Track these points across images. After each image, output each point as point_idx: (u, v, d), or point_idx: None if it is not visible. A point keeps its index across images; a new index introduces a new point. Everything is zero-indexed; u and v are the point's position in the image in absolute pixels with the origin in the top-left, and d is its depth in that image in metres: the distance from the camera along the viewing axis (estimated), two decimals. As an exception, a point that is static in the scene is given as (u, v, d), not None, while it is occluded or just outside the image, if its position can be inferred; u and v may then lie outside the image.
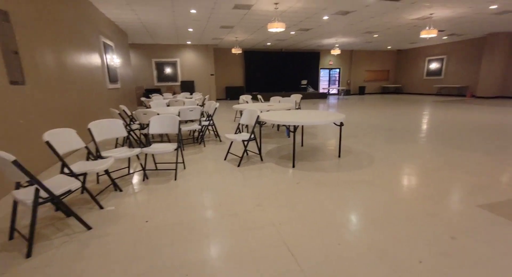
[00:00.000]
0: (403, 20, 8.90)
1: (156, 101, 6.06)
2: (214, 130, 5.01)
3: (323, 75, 17.88)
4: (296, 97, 7.17)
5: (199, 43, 13.14)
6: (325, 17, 8.32)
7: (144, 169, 3.07)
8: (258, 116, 3.45)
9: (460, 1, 6.87)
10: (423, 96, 15.18)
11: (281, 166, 3.43)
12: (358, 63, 17.80)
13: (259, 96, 6.98)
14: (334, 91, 18.73)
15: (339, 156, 3.79)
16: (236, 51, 11.68)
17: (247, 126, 5.40)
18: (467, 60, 13.90)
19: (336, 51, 12.95)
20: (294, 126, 3.27)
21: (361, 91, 17.94)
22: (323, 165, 3.42)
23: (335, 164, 3.46)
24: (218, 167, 3.46)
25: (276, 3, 6.54)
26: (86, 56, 5.45)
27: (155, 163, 3.45)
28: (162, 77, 13.25)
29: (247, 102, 6.31)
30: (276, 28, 6.56)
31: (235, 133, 3.78)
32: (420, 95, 16.08)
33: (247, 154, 3.97)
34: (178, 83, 13.52)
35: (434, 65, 15.74)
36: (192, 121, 5.56)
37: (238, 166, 3.46)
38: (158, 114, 4.02)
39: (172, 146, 3.11)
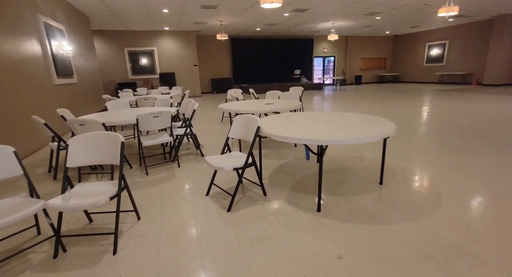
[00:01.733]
0: (416, -3, 7.62)
1: (119, 99, 4.59)
2: (194, 139, 3.63)
3: (317, 64, 16.56)
4: (296, 90, 5.83)
5: (179, 29, 11.48)
6: (327, -7, 6.93)
7: (57, 235, 1.68)
8: (258, 128, 2.11)
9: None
10: (424, 85, 14.15)
11: (298, 208, 2.13)
12: (354, 51, 16.55)
13: (251, 91, 5.61)
14: (329, 81, 17.49)
15: (381, 183, 2.51)
16: (221, 37, 10.15)
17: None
18: (471, 45, 12.88)
19: (333, 36, 11.61)
20: (322, 146, 1.95)
21: (358, 80, 16.77)
22: (363, 203, 2.14)
23: (381, 201, 2.19)
24: (196, 213, 2.12)
25: (269, -29, 5.10)
26: (13, 41, 3.89)
27: (87, 214, 2.06)
28: (137, 69, 11.57)
29: (237, 98, 4.95)
30: (271, 3, 5.14)
31: (223, 151, 2.43)
32: (420, 84, 15.07)
33: (241, 182, 2.64)
34: (157, 76, 11.89)
35: (435, 51, 14.68)
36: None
37: (228, 210, 2.13)
38: (103, 124, 2.61)
39: (107, 189, 1.74)
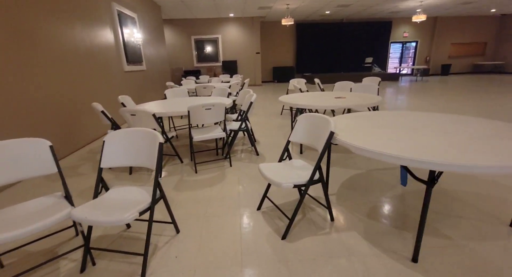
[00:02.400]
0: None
1: (177, 88, 4.49)
2: (250, 134, 3.23)
3: (393, 51, 14.47)
4: (373, 81, 4.91)
5: (243, 15, 11.18)
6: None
7: (86, 245, 1.46)
8: (331, 134, 1.54)
9: None
10: (542, 77, 11.00)
11: (381, 250, 1.52)
12: (443, 34, 13.88)
13: (317, 81, 4.93)
14: (406, 71, 15.19)
15: (512, 224, 1.70)
16: (286, 22, 9.47)
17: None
18: None
19: (420, 17, 9.76)
20: (436, 172, 1.28)
21: (445, 70, 14.12)
22: (485, 255, 1.41)
23: (521, 259, 1.41)
24: (243, 235, 1.71)
25: None
26: (90, 29, 4.06)
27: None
28: (202, 56, 11.80)
29: (300, 90, 4.36)
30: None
31: (281, 158, 1.95)
32: (536, 76, 11.81)
33: (302, 201, 2.12)
34: (220, 64, 11.95)
35: None
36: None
37: (283, 238, 1.66)
38: (154, 115, 2.39)
39: (141, 199, 1.43)
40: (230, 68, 11.83)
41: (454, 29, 13.86)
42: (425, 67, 12.61)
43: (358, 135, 1.58)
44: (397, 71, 14.23)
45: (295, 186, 1.59)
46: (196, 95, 4.99)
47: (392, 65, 14.78)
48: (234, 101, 5.04)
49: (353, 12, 11.33)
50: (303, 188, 1.62)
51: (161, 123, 2.75)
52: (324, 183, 1.70)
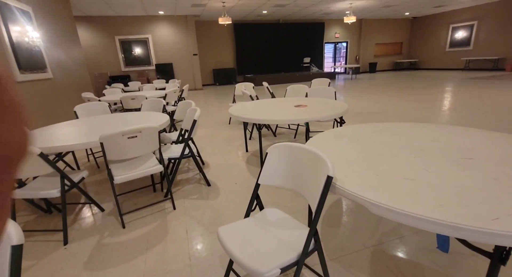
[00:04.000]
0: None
1: (102, 98, 3.46)
2: (197, 160, 2.50)
3: (327, 51, 15.16)
4: (324, 83, 4.65)
5: (176, 14, 10.16)
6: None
7: None
8: (329, 180, 0.98)
9: None
10: (448, 72, 12.79)
11: None
12: (368, 35, 15.09)
13: (265, 85, 4.44)
14: (340, 69, 16.12)
15: (535, 259, 1.39)
16: (224, 21, 8.85)
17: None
18: (505, 26, 11.43)
19: (350, 18, 10.22)
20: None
21: (372, 68, 15.40)
22: None
23: None
24: None
25: None
26: None
27: None
28: (130, 59, 10.34)
29: (251, 96, 3.78)
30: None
31: (249, 210, 1.33)
32: (442, 71, 13.69)
33: None
34: (153, 67, 10.66)
35: (460, 34, 13.22)
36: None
37: None
38: (41, 154, 1.50)
39: None
40: (165, 72, 10.65)
41: (377, 30, 15.19)
42: (357, 66, 13.48)
43: (364, 175, 1.05)
44: (333, 70, 14.95)
45: (282, 271, 0.98)
46: (123, 109, 4.00)
47: (328, 65, 15.49)
48: (171, 113, 4.20)
49: (289, 13, 11.34)
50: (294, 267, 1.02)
51: (59, 161, 1.84)
52: (321, 251, 1.13)
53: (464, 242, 1.05)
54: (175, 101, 5.00)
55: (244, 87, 4.73)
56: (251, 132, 4.20)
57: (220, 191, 2.39)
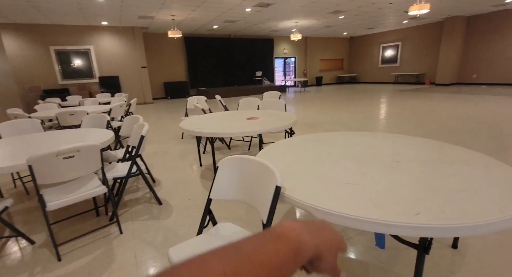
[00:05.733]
0: (384, -6, 7.25)
1: (34, 115, 3.05)
2: (146, 178, 2.36)
3: (278, 65, 15.93)
4: (274, 96, 4.85)
5: (121, 25, 9.69)
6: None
7: None
8: (278, 189, 1.01)
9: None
10: (381, 85, 14.44)
11: None
12: (313, 52, 16.31)
13: (218, 98, 4.45)
14: (290, 82, 17.01)
15: None
16: (173, 34, 8.73)
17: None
18: (423, 46, 13.45)
19: (296, 36, 10.97)
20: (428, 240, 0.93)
21: (318, 81, 16.60)
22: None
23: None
24: None
25: None
26: None
27: None
28: (69, 72, 9.45)
29: (203, 110, 3.74)
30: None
31: (201, 227, 1.29)
32: (377, 84, 15.41)
33: None
34: (96, 80, 9.90)
35: (389, 52, 15.13)
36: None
37: None
38: None
39: None
40: (110, 85, 9.97)
41: (320, 47, 16.52)
42: (305, 80, 14.41)
43: (310, 183, 1.12)
44: (283, 84, 15.70)
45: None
46: (59, 126, 3.60)
47: (279, 78, 16.23)
48: (117, 129, 3.92)
49: (239, 28, 11.70)
50: None
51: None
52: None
53: (396, 237, 1.17)
54: (122, 116, 4.69)
55: (196, 101, 4.68)
56: (205, 146, 4.14)
57: (173, 209, 2.28)
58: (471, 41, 11.85)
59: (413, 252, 1.56)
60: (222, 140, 4.42)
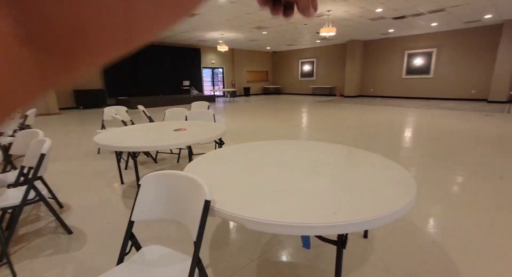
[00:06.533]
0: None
1: None
2: (49, 204, 1.96)
3: (206, 75, 15.87)
4: (203, 106, 4.78)
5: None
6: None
7: None
8: (207, 204, 0.99)
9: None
10: (302, 96, 15.94)
11: None
12: (240, 63, 16.87)
13: (141, 108, 4.11)
14: (219, 93, 17.12)
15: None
16: (85, 37, 7.73)
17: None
18: (333, 63, 15.49)
19: (223, 47, 11.19)
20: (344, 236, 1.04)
21: (246, 92, 17.19)
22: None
23: None
24: None
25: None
26: None
27: None
28: None
29: (123, 121, 3.37)
30: None
31: (122, 254, 1.14)
32: (299, 95, 16.94)
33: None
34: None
35: (306, 67, 16.87)
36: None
37: None
38: None
39: None
40: None
41: (247, 59, 17.23)
42: (233, 90, 14.73)
43: (240, 194, 1.13)
44: (212, 93, 15.68)
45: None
46: None
47: (207, 88, 16.14)
48: (7, 146, 3.21)
49: (164, 35, 11.22)
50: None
51: None
52: (208, 278, 1.10)
53: (319, 236, 1.28)
54: (14, 130, 3.86)
55: (114, 111, 4.22)
56: (127, 161, 3.75)
57: (87, 237, 1.97)
58: (368, 61, 14.28)
59: (334, 248, 1.73)
60: (147, 153, 4.09)
